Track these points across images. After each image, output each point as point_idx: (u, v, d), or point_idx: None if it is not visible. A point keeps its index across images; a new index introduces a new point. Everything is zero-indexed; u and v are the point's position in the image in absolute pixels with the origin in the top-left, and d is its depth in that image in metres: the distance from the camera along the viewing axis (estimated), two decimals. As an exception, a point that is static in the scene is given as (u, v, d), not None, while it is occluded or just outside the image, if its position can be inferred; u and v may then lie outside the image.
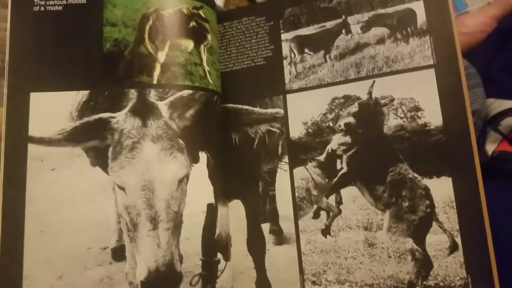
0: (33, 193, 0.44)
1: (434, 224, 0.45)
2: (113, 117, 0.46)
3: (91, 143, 0.46)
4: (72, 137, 0.45)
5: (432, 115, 0.46)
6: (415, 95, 0.47)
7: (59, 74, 0.47)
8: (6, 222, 0.44)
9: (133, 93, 0.47)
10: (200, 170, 0.48)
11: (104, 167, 0.45)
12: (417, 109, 0.47)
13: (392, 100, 0.48)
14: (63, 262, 0.44)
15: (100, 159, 0.46)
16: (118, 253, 0.45)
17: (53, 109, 0.46)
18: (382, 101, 0.49)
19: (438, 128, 0.46)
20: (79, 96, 0.46)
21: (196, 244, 0.46)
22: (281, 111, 0.52)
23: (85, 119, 0.46)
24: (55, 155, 0.45)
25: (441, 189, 0.45)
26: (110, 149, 0.46)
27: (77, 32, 0.48)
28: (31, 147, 0.45)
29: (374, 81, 0.49)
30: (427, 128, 0.46)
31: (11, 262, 0.43)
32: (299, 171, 0.51)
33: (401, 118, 0.48)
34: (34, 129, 0.45)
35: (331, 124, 0.51)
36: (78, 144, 0.45)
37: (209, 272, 0.46)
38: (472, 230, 0.43)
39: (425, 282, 0.44)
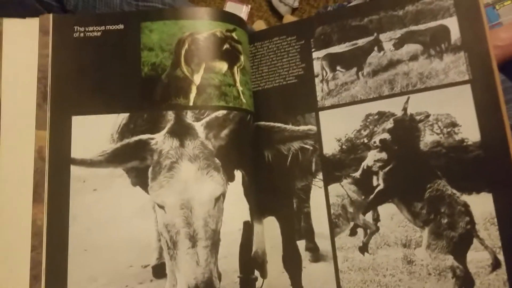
0: (76, 213, 0.46)
1: (475, 241, 0.44)
2: (152, 138, 0.47)
3: (132, 164, 0.47)
4: (113, 159, 0.47)
5: (469, 131, 0.46)
6: (451, 111, 0.47)
7: (99, 97, 0.49)
8: (51, 241, 0.45)
9: (170, 115, 0.48)
10: (236, 188, 0.48)
11: (144, 186, 0.47)
12: (453, 125, 0.47)
13: (428, 116, 0.48)
14: (105, 280, 0.45)
15: (140, 179, 0.47)
16: (159, 271, 0.45)
17: (94, 132, 0.47)
18: (418, 117, 0.48)
19: (476, 144, 0.45)
20: (119, 118, 0.48)
21: (234, 262, 0.46)
22: (314, 128, 0.52)
23: (126, 141, 0.47)
24: (97, 176, 0.47)
25: (481, 205, 0.44)
26: (150, 169, 0.47)
27: (115, 56, 0.50)
28: (73, 169, 0.47)
29: (408, 97, 0.49)
30: (465, 144, 0.46)
31: (56, 280, 0.45)
32: (334, 188, 0.51)
33: (438, 134, 0.47)
34: (76, 151, 0.47)
35: (365, 141, 0.51)
36: (119, 165, 0.47)
37: (247, 289, 0.46)
38: None
39: None
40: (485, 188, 0.44)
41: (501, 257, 0.43)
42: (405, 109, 0.49)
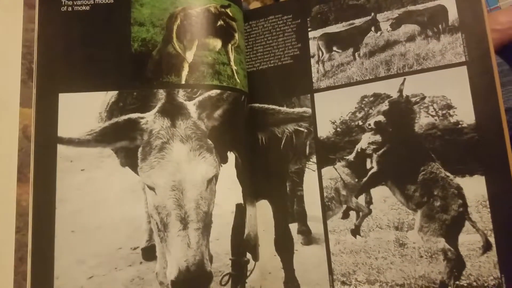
0: (63, 194, 0.45)
1: (467, 223, 0.45)
2: (142, 118, 0.46)
3: (121, 143, 0.46)
4: (102, 138, 0.45)
5: (465, 113, 0.45)
6: (447, 93, 0.46)
7: (87, 74, 0.47)
8: (36, 223, 0.44)
9: (161, 94, 0.46)
10: (229, 170, 0.47)
11: (134, 167, 0.45)
12: (449, 107, 0.46)
13: (423, 98, 0.47)
14: (94, 262, 0.44)
15: (129, 159, 0.45)
16: (149, 253, 0.45)
17: (82, 110, 0.46)
18: (413, 99, 0.48)
19: (470, 126, 0.45)
20: (108, 96, 0.46)
21: (226, 244, 0.45)
22: (309, 110, 0.52)
23: (114, 120, 0.46)
24: (85, 156, 0.45)
25: (474, 188, 0.44)
26: (140, 149, 0.46)
27: (105, 32, 0.48)
28: (60, 148, 0.45)
29: (404, 79, 0.48)
30: (460, 126, 0.46)
31: (42, 262, 0.43)
32: (327, 171, 0.51)
33: (433, 116, 0.47)
34: (63, 130, 0.45)
35: (360, 123, 0.50)
36: (108, 145, 0.45)
37: (239, 271, 0.45)
38: (506, 229, 0.43)
39: (457, 282, 0.44)
40: (478, 170, 0.44)
41: (492, 239, 0.43)
42: (400, 91, 0.48)
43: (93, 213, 0.44)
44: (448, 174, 0.46)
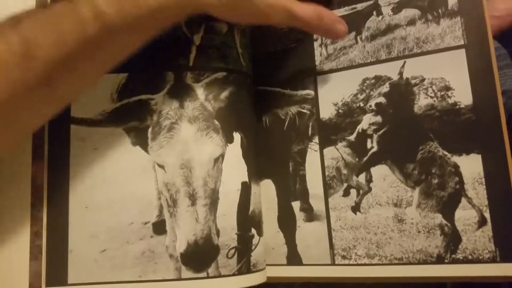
0: (77, 172, 0.46)
1: (463, 200, 0.46)
2: (152, 99, 0.48)
3: (131, 123, 0.47)
4: (113, 118, 0.47)
5: (462, 95, 0.47)
6: (446, 75, 0.48)
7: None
8: (51, 199, 0.46)
9: (170, 76, 0.48)
10: (235, 150, 0.49)
11: (144, 146, 0.47)
12: (447, 88, 0.48)
13: (423, 80, 0.49)
14: (106, 236, 0.46)
15: (140, 139, 0.47)
16: (159, 227, 0.46)
17: (94, 91, 0.47)
18: (413, 81, 0.49)
19: (468, 107, 0.46)
20: (119, 78, 0.48)
21: (232, 220, 0.48)
22: (312, 92, 0.53)
23: (125, 101, 0.47)
24: (97, 135, 0.47)
25: (470, 166, 0.46)
26: (150, 129, 0.47)
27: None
28: (73, 128, 0.47)
29: (405, 62, 0.50)
30: (457, 107, 0.47)
31: (57, 237, 0.45)
32: (329, 151, 0.52)
33: (432, 97, 0.48)
34: (76, 111, 0.47)
35: (361, 105, 0.52)
36: (119, 125, 0.47)
37: (244, 246, 0.48)
38: (501, 205, 0.44)
39: (453, 256, 0.45)
40: (474, 149, 0.46)
41: (487, 214, 0.44)
42: (401, 73, 0.50)
43: (106, 190, 0.46)
44: (445, 153, 0.47)
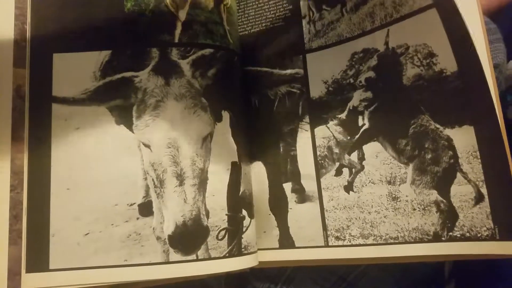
0: (59, 152, 0.44)
1: (458, 175, 0.45)
2: (136, 76, 0.46)
3: (115, 102, 0.46)
4: (96, 97, 0.45)
5: (447, 61, 0.45)
6: (427, 40, 0.46)
7: (81, 34, 0.46)
8: (32, 180, 0.44)
9: (155, 52, 0.46)
10: (224, 129, 0.48)
11: (129, 125, 0.45)
12: (431, 55, 0.46)
13: (407, 48, 0.47)
14: (90, 219, 0.44)
15: (124, 118, 0.46)
16: (145, 209, 0.45)
17: (76, 69, 0.46)
18: (399, 51, 0.48)
19: (454, 74, 0.44)
20: (102, 56, 0.46)
21: (222, 200, 0.46)
22: (301, 71, 0.52)
23: (108, 79, 0.45)
24: (80, 114, 0.45)
25: (464, 138, 0.44)
26: (134, 107, 0.46)
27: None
28: (55, 107, 0.45)
29: (388, 30, 0.48)
30: (444, 74, 0.45)
31: (38, 220, 0.43)
32: (320, 130, 0.51)
33: (418, 66, 0.47)
34: (57, 89, 0.45)
35: (351, 81, 0.50)
36: (102, 104, 0.45)
37: (235, 227, 0.46)
38: (498, 180, 0.42)
39: (450, 233, 0.44)
40: (466, 121, 0.44)
41: (484, 190, 0.43)
42: (386, 43, 0.48)
43: (89, 170, 0.45)
44: (438, 126, 0.46)
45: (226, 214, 0.46)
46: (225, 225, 0.45)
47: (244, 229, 0.47)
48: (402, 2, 0.47)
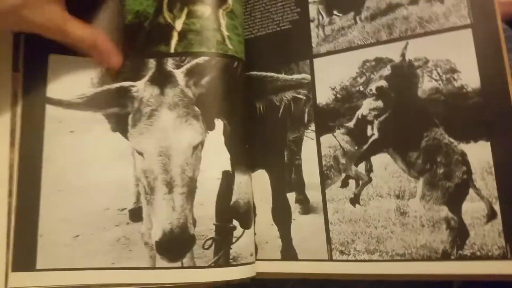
0: (51, 154, 0.46)
1: (471, 191, 0.41)
2: (134, 86, 0.47)
3: (112, 110, 0.47)
4: (93, 103, 0.47)
5: (469, 77, 0.43)
6: (451, 56, 0.44)
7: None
8: (22, 180, 0.45)
9: (152, 63, 0.47)
10: (216, 137, 0.47)
11: (124, 133, 0.46)
12: (453, 71, 0.43)
13: (427, 62, 0.45)
14: (80, 221, 0.45)
15: (120, 125, 0.47)
16: (136, 215, 0.45)
17: (74, 73, 0.47)
18: (416, 63, 0.45)
19: (475, 90, 0.42)
20: (100, 64, 0.47)
21: (210, 209, 0.45)
22: (308, 76, 0.50)
23: (106, 87, 0.47)
24: (75, 118, 0.46)
25: (479, 154, 0.41)
26: (130, 116, 0.46)
27: (99, 2, 0.49)
28: (49, 108, 0.46)
29: (407, 43, 0.45)
30: (464, 90, 0.43)
31: (26, 220, 0.44)
32: (326, 139, 0.48)
33: (436, 80, 0.44)
34: (52, 91, 0.47)
35: (361, 89, 0.47)
36: (99, 110, 0.47)
37: (223, 237, 0.45)
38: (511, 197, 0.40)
39: (460, 252, 0.41)
40: (483, 136, 0.41)
41: (497, 207, 0.40)
42: (403, 55, 0.46)
43: (81, 174, 0.46)
44: (452, 140, 0.43)
45: (214, 224, 0.45)
46: (212, 234, 0.45)
47: (234, 240, 0.45)
48: (432, 19, 0.45)
